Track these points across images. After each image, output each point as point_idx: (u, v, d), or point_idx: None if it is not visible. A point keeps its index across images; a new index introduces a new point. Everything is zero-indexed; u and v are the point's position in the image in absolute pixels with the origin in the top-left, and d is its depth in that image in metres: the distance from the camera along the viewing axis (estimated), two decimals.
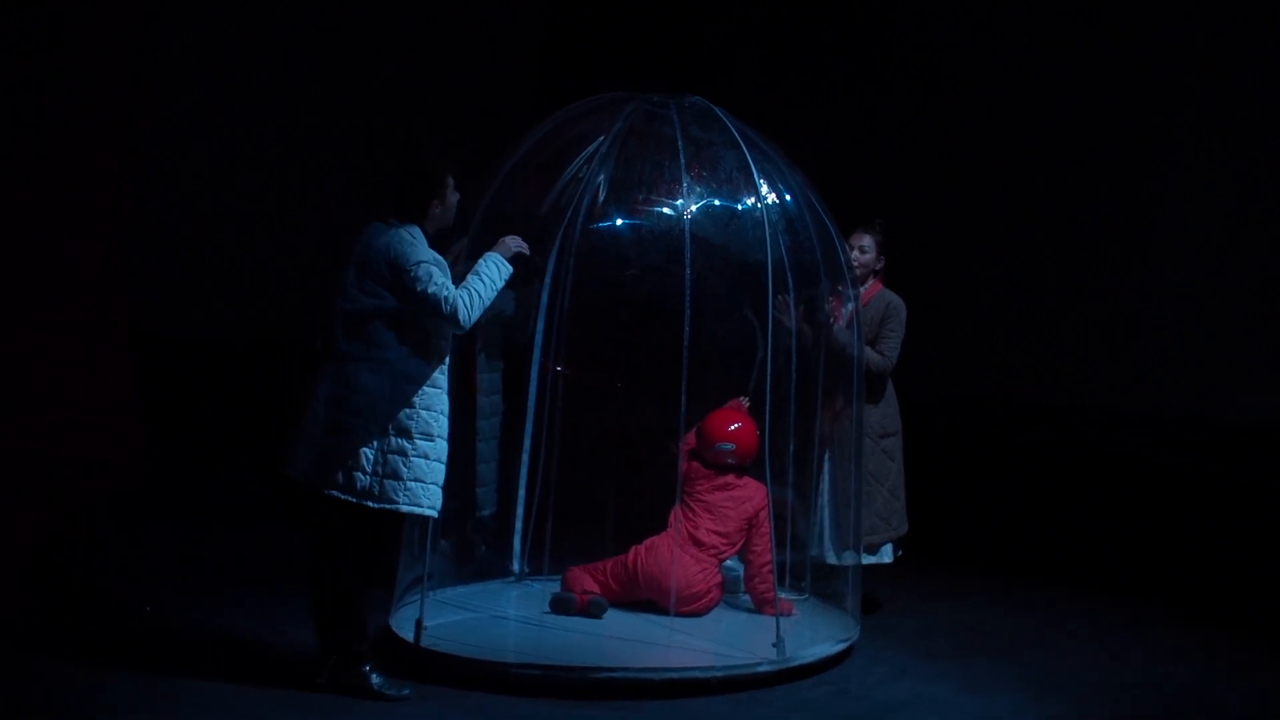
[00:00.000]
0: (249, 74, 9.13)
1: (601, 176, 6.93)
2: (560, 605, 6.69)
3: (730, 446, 6.93)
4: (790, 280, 6.57)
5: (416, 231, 5.67)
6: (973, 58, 10.18)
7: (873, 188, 9.65)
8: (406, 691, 5.61)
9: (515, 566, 7.21)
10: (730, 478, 6.93)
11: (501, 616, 6.66)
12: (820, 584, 7.17)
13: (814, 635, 6.48)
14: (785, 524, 6.92)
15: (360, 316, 5.55)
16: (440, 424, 5.65)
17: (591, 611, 6.67)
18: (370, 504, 5.50)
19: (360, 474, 5.48)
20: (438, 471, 5.63)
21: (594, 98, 6.77)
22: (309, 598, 5.68)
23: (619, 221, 6.92)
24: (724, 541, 6.81)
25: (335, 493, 5.48)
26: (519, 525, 7.16)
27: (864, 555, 7.04)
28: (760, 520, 6.81)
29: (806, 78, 6.51)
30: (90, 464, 6.33)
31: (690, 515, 6.83)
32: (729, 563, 7.22)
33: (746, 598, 7.02)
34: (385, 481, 5.51)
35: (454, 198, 5.81)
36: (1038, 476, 9.61)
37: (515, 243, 5.93)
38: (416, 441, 5.56)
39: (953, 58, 10.23)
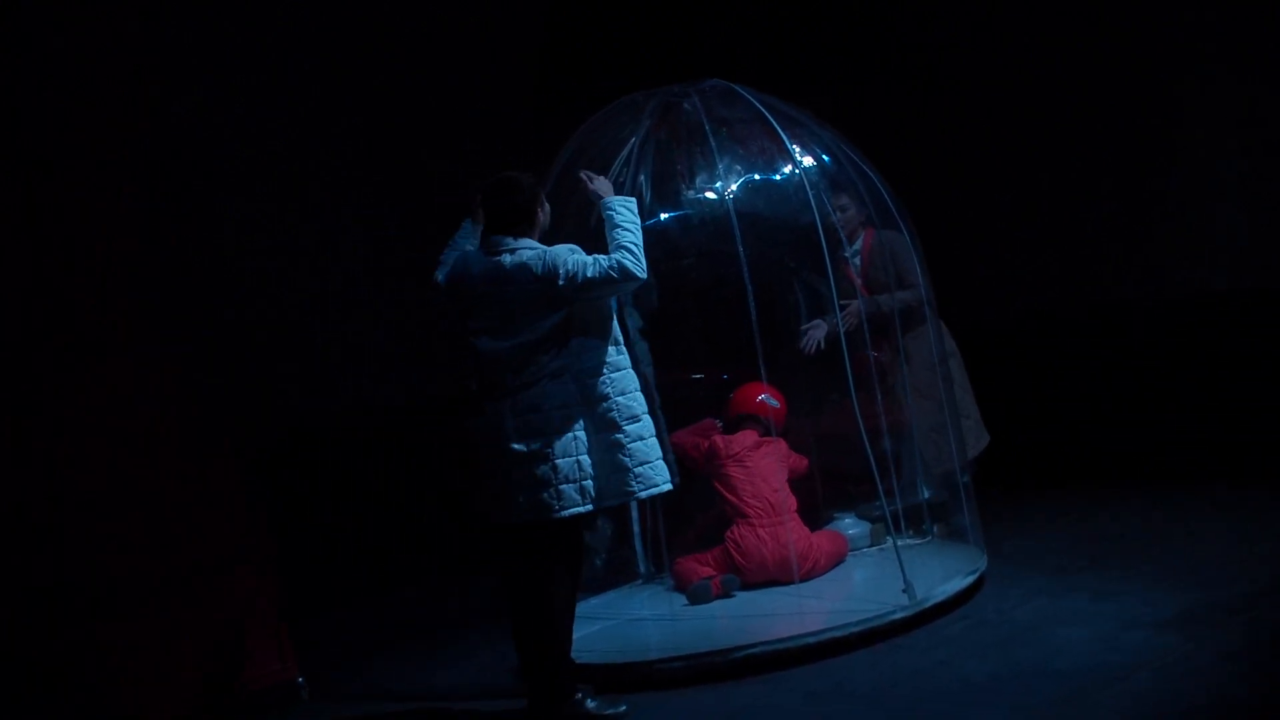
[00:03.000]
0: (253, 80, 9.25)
1: (641, 177, 7.03)
2: (698, 595, 6.76)
3: (775, 403, 7.13)
4: (842, 235, 6.63)
5: (534, 243, 5.53)
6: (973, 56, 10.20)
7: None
8: (623, 708, 5.56)
9: (641, 568, 7.34)
10: (758, 437, 7.07)
11: (635, 619, 6.77)
12: (940, 524, 7.24)
13: (943, 573, 6.53)
14: (889, 475, 6.98)
15: (527, 348, 5.44)
16: (640, 401, 5.54)
17: (727, 591, 6.76)
18: (609, 504, 5.49)
19: (589, 481, 5.40)
20: (656, 447, 5.55)
21: (613, 103, 6.85)
22: (516, 641, 5.61)
23: (663, 216, 7.03)
24: (786, 493, 6.92)
25: (575, 510, 5.39)
26: (636, 527, 7.29)
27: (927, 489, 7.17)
28: (796, 459, 7.13)
29: (806, 76, 6.56)
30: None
31: (744, 488, 6.90)
32: (846, 521, 7.31)
33: (869, 552, 7.12)
34: (614, 476, 5.44)
35: (547, 204, 5.69)
36: (1120, 377, 9.54)
37: (603, 182, 5.76)
38: (626, 428, 5.46)
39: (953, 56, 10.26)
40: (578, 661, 5.74)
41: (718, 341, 7.08)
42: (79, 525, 5.93)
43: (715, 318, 6.97)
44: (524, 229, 5.56)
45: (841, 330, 6.59)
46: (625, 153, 6.93)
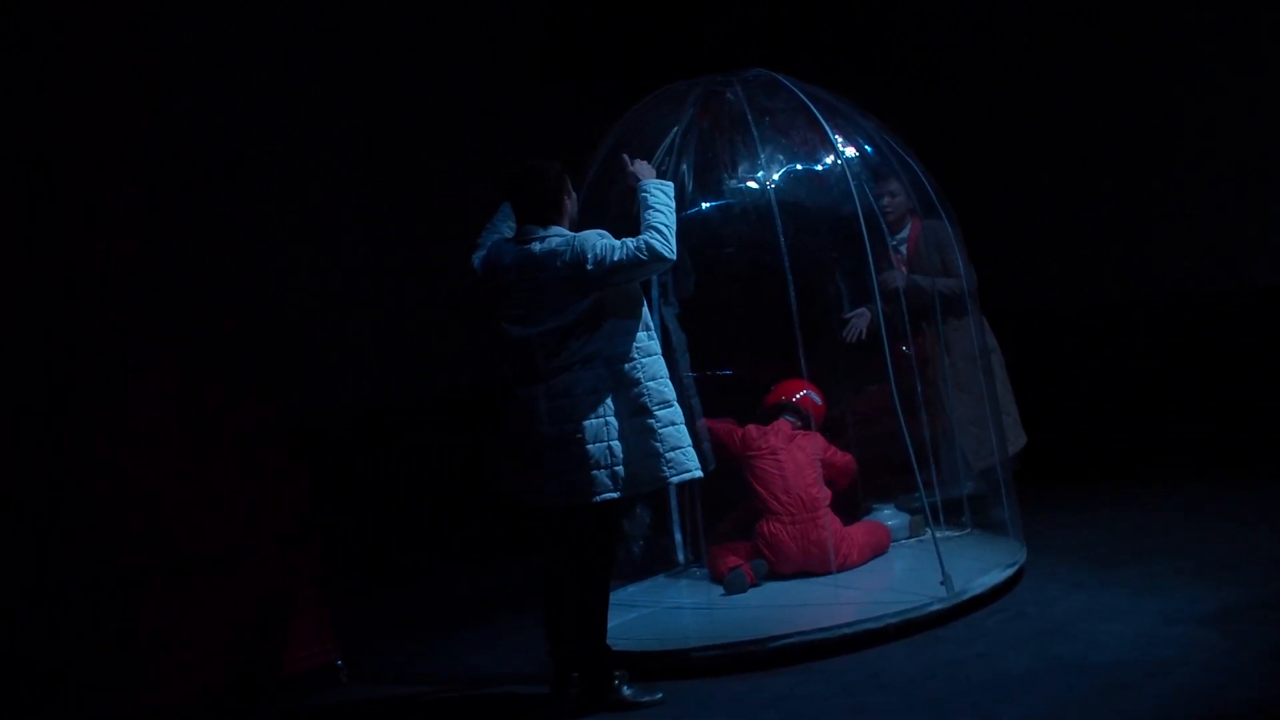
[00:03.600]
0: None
1: (684, 166, 7.04)
2: (734, 585, 6.76)
3: (817, 399, 7.11)
4: (884, 225, 6.61)
5: (564, 230, 5.57)
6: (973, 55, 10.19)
7: None
8: (659, 695, 5.60)
9: (680, 556, 7.36)
10: (791, 429, 7.05)
11: (672, 607, 6.78)
12: (978, 516, 7.22)
13: (981, 565, 6.51)
14: (929, 467, 6.97)
15: (559, 333, 5.47)
16: (670, 387, 5.57)
17: (759, 576, 6.77)
18: (641, 490, 5.51)
19: (620, 467, 5.41)
20: (686, 433, 5.57)
21: (657, 91, 6.86)
22: (547, 622, 5.69)
23: (705, 205, 7.03)
24: (819, 489, 6.88)
25: (607, 496, 5.40)
26: (675, 516, 7.30)
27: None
28: (835, 452, 7.05)
29: (805, 76, 6.61)
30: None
31: (776, 484, 6.86)
32: (885, 512, 7.30)
33: (907, 544, 7.11)
34: (645, 462, 5.45)
35: (573, 192, 5.70)
36: (1165, 369, 9.50)
37: (644, 166, 5.76)
38: (657, 413, 5.47)
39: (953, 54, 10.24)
40: (615, 648, 5.77)
41: (758, 331, 7.08)
42: (127, 507, 5.99)
43: (756, 307, 6.97)
44: (552, 217, 5.59)
45: (880, 310, 6.57)
46: (668, 141, 6.94)
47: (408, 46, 9.35)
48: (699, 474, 5.61)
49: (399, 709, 6.10)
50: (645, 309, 5.61)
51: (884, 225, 6.72)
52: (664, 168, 6.94)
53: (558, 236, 5.53)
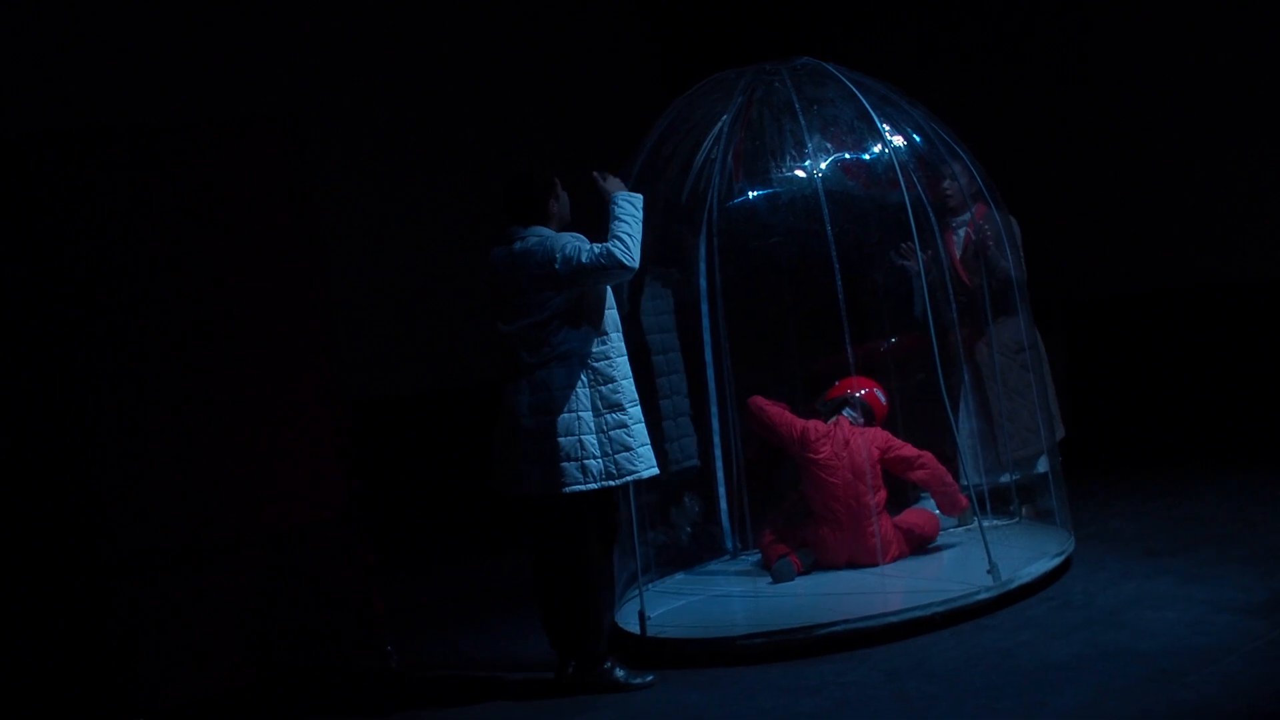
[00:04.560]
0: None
1: (730, 154, 7.04)
2: (781, 574, 6.78)
3: (882, 397, 7.06)
4: (931, 216, 6.59)
5: (545, 230, 5.80)
6: None
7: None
8: (650, 678, 5.77)
9: (728, 544, 7.39)
10: (849, 426, 6.99)
11: (720, 595, 6.81)
12: (1027, 505, 7.21)
13: (1029, 554, 6.50)
14: (976, 456, 6.95)
15: (536, 328, 5.71)
16: (633, 386, 5.82)
17: (806, 565, 6.79)
18: (613, 483, 5.67)
19: (592, 460, 5.63)
20: (646, 430, 5.82)
21: (706, 79, 6.88)
22: (539, 610, 5.88)
23: (752, 194, 7.04)
24: (871, 496, 6.81)
25: (577, 488, 5.62)
26: (723, 504, 7.32)
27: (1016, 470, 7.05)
28: (894, 446, 6.90)
29: (854, 63, 6.62)
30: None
31: (831, 492, 6.80)
32: (933, 501, 7.29)
33: (954, 533, 7.12)
34: (619, 456, 5.67)
35: (564, 194, 5.92)
36: (1213, 358, 9.43)
37: (614, 180, 5.93)
38: (629, 409, 5.73)
39: None
40: (661, 636, 5.89)
41: (803, 319, 7.09)
42: (178, 485, 6.08)
43: (802, 296, 6.98)
44: (535, 218, 5.81)
45: (924, 286, 6.51)
46: (716, 130, 6.96)
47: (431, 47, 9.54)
48: (657, 472, 5.84)
49: (445, 692, 6.15)
50: (615, 312, 5.83)
51: (929, 210, 6.65)
52: (711, 156, 6.97)
53: (535, 237, 5.76)
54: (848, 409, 7.10)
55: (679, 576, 7.07)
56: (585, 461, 5.63)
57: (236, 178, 6.28)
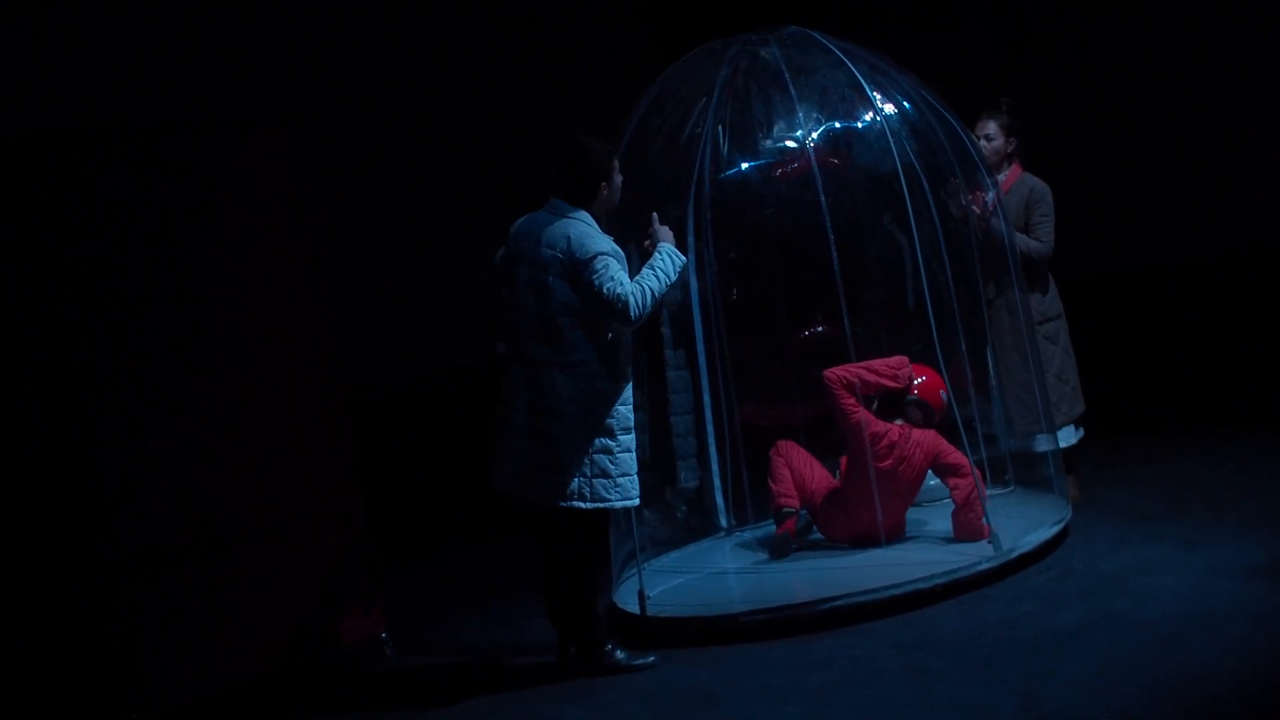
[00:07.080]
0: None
1: (720, 126, 6.98)
2: (778, 549, 6.69)
3: (946, 397, 6.67)
4: (924, 183, 6.53)
5: (588, 217, 5.56)
6: None
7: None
8: (652, 659, 5.72)
9: (723, 521, 7.33)
10: (902, 430, 6.59)
11: (718, 572, 6.75)
12: (1023, 473, 7.17)
13: (1027, 524, 6.48)
14: (974, 423, 6.91)
15: (544, 317, 5.52)
16: (632, 414, 5.65)
17: (801, 531, 6.71)
18: (582, 505, 5.54)
19: (571, 478, 5.51)
20: (634, 460, 5.67)
21: (693, 51, 6.80)
22: (544, 593, 5.81)
23: (744, 166, 6.97)
24: (900, 518, 6.69)
25: (554, 500, 5.53)
26: (717, 481, 7.26)
27: (1039, 440, 6.94)
28: (945, 451, 6.53)
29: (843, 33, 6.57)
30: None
31: (881, 481, 6.52)
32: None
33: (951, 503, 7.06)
34: (595, 481, 5.53)
35: (619, 179, 5.69)
36: (1208, 331, 9.43)
37: (666, 231, 5.76)
38: (619, 437, 5.56)
39: None
40: (661, 615, 5.87)
41: (799, 291, 7.03)
42: (178, 485, 5.98)
43: (797, 267, 6.92)
44: (583, 198, 5.59)
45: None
46: (704, 101, 6.88)
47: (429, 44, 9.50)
48: (636, 503, 5.74)
49: (444, 680, 6.09)
50: (629, 337, 5.67)
51: (921, 176, 6.55)
52: (699, 128, 6.89)
53: (578, 225, 5.53)
54: (912, 408, 6.70)
55: (674, 555, 7.00)
56: (564, 477, 5.51)
57: (236, 177, 6.17)
